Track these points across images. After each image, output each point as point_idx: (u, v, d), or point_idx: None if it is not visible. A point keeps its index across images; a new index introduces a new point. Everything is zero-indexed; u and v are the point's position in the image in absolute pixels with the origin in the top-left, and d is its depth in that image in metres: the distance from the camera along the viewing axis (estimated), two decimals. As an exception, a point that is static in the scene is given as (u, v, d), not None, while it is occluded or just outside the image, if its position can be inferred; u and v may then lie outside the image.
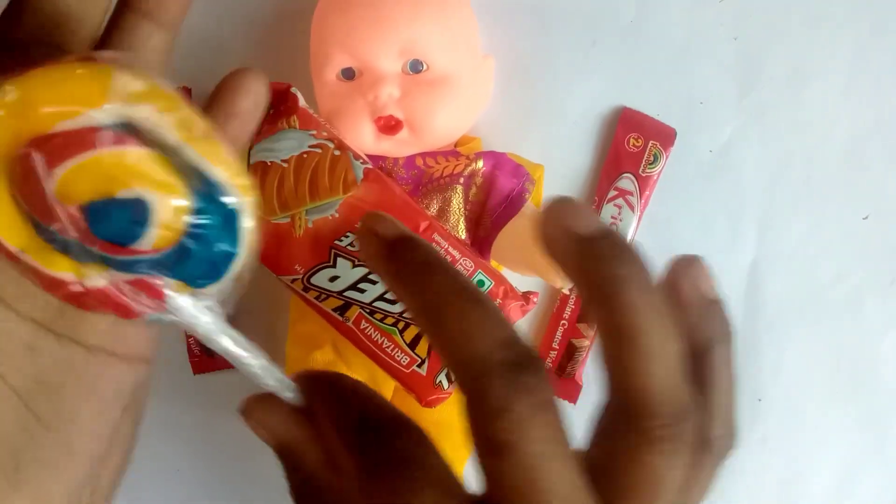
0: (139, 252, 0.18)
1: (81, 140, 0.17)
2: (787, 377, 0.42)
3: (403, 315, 0.34)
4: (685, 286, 0.20)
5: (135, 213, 0.18)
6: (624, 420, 0.18)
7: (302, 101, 0.35)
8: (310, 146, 0.34)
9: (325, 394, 0.21)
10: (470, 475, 0.44)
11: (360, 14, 0.36)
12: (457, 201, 0.37)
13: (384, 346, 0.34)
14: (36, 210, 0.18)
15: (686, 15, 0.43)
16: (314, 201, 0.34)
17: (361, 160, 0.35)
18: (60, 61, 0.17)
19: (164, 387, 0.47)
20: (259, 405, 0.23)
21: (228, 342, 0.21)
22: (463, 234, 0.38)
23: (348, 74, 0.37)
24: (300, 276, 0.34)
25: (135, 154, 0.18)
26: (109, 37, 0.23)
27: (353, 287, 0.34)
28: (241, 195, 0.19)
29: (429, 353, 0.34)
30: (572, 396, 0.44)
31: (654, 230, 0.43)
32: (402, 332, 0.34)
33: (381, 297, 0.34)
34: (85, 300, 0.19)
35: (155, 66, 0.24)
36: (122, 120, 0.17)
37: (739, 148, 0.43)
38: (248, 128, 0.23)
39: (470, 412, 0.18)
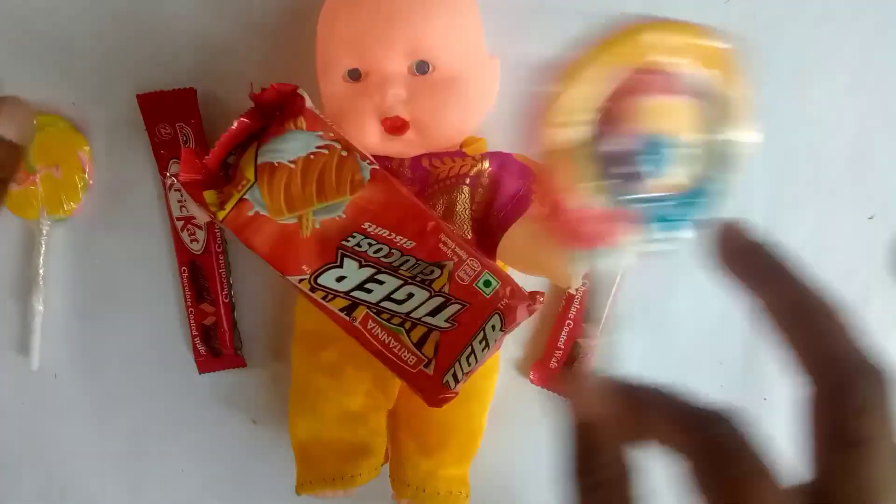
0: (657, 189, 0.22)
1: (668, 83, 0.21)
2: (793, 376, 0.42)
3: (410, 315, 0.34)
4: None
5: (667, 155, 0.21)
6: None
7: (309, 103, 0.35)
8: (317, 147, 0.34)
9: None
10: (474, 475, 0.44)
11: (367, 16, 0.36)
12: (463, 202, 0.38)
13: (391, 345, 0.34)
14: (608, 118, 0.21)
15: (691, 15, 0.42)
16: (321, 202, 0.34)
17: (368, 161, 0.35)
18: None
19: (170, 386, 0.47)
20: (584, 378, 0.25)
21: (609, 299, 0.25)
22: (469, 235, 0.38)
23: (354, 76, 0.37)
24: (307, 277, 0.34)
25: (686, 105, 0.21)
26: None
27: (360, 287, 0.34)
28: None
29: (435, 352, 0.34)
30: (578, 396, 0.44)
31: (659, 230, 0.43)
32: (409, 332, 0.34)
33: (387, 298, 0.34)
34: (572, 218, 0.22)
35: None
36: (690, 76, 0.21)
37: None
38: None
39: (828, 406, 0.20)
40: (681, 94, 0.22)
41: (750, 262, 0.22)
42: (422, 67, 0.36)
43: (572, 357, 0.44)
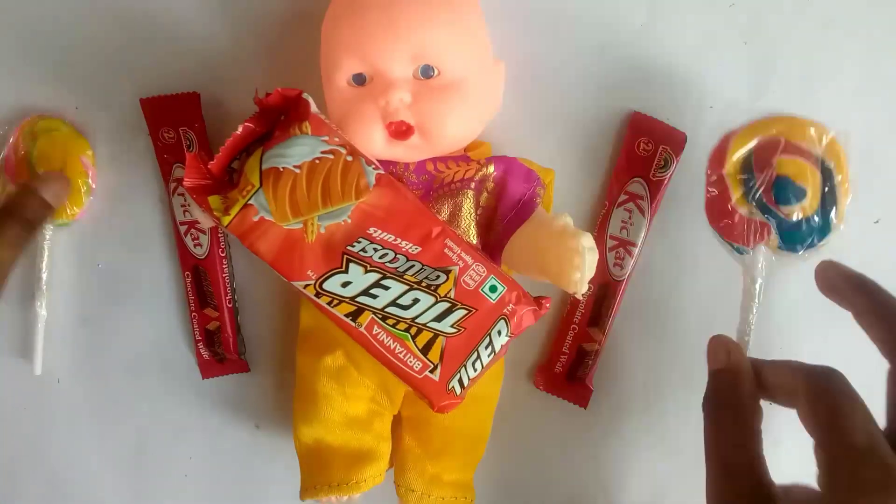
0: (786, 213, 0.37)
1: (798, 150, 0.38)
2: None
3: (416, 320, 0.34)
4: None
5: (798, 193, 0.37)
6: None
7: (314, 107, 0.35)
8: (322, 152, 0.34)
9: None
10: (479, 480, 0.44)
11: (372, 20, 0.36)
12: (468, 206, 0.37)
13: (397, 351, 0.34)
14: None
15: (697, 19, 0.42)
16: (326, 207, 0.34)
17: (374, 166, 0.35)
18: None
19: (173, 391, 0.47)
20: (727, 341, 0.36)
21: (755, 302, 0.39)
22: (474, 239, 0.37)
23: (359, 80, 0.37)
24: (312, 282, 0.34)
25: (808, 166, 0.38)
26: None
27: (366, 293, 0.34)
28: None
29: (441, 358, 0.34)
30: (583, 400, 0.44)
31: (664, 235, 0.43)
32: (414, 337, 0.34)
33: (393, 303, 0.34)
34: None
35: None
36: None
37: (750, 152, 0.43)
38: None
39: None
40: (806, 159, 0.37)
41: (843, 285, 0.34)
42: (426, 72, 0.36)
43: (578, 361, 0.44)
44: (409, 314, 0.34)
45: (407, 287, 0.34)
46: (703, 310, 0.43)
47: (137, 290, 0.46)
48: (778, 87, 0.42)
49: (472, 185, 0.37)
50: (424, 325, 0.34)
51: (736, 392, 0.34)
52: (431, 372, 0.34)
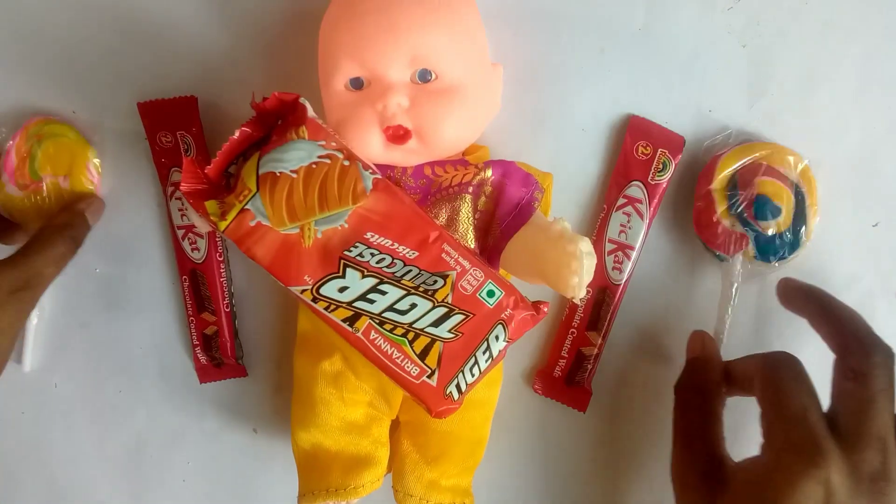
0: (763, 228, 0.41)
1: (775, 174, 0.41)
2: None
3: (413, 326, 0.34)
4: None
5: (774, 211, 0.40)
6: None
7: (311, 112, 0.35)
8: (319, 157, 0.34)
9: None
10: (477, 485, 0.44)
11: (369, 24, 0.35)
12: (466, 210, 0.37)
13: (394, 356, 0.34)
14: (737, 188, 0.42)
15: (695, 22, 0.42)
16: (323, 212, 0.34)
17: (371, 170, 0.34)
18: None
19: (171, 396, 0.47)
20: (703, 335, 0.41)
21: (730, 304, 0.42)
22: (472, 244, 0.37)
23: (357, 84, 0.37)
24: (309, 287, 0.34)
25: (783, 188, 0.41)
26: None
27: (363, 297, 0.34)
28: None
29: (439, 363, 0.34)
30: (582, 404, 0.44)
31: (663, 238, 0.43)
32: (411, 342, 0.34)
33: (390, 308, 0.34)
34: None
35: None
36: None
37: (749, 155, 0.43)
38: None
39: (844, 362, 0.35)
40: (783, 182, 0.41)
41: (796, 296, 0.39)
42: (424, 76, 0.36)
43: (577, 365, 0.44)
44: (406, 319, 0.34)
45: (404, 292, 0.34)
46: (701, 313, 0.43)
47: (135, 295, 0.46)
48: (776, 91, 0.42)
49: (470, 189, 0.37)
50: (422, 330, 0.34)
51: (704, 377, 0.39)
52: (429, 377, 0.34)
